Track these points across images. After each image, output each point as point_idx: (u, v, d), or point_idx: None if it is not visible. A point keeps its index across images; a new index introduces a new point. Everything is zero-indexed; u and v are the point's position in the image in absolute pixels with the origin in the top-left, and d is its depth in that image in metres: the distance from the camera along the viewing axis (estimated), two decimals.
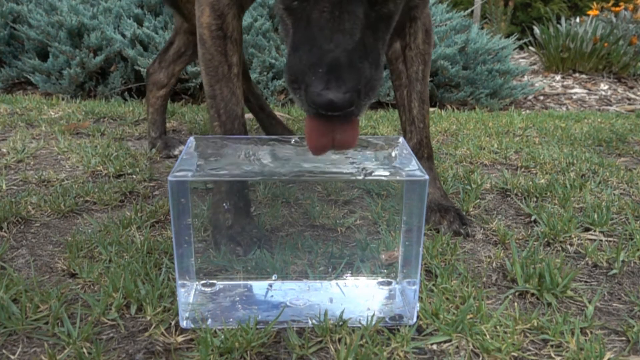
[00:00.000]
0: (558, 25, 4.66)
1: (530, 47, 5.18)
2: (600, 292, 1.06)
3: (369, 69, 0.87)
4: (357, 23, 0.86)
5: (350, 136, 0.89)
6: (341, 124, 0.87)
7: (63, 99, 2.95)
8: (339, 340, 0.89)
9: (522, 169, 1.85)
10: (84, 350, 0.85)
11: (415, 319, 0.93)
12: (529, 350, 0.89)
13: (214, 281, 1.02)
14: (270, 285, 1.02)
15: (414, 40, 1.32)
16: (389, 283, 1.03)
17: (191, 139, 1.04)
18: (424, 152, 1.40)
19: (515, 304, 1.01)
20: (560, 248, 1.25)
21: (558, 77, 4.43)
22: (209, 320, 0.92)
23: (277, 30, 3.20)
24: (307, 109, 0.86)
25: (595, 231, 1.33)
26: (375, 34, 0.90)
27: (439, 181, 1.43)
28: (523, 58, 5.31)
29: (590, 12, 4.99)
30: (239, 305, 0.97)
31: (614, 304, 1.04)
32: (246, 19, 3.10)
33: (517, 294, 1.06)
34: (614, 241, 1.29)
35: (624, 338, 0.93)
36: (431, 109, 3.12)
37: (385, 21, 0.93)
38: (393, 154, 1.01)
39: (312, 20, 0.86)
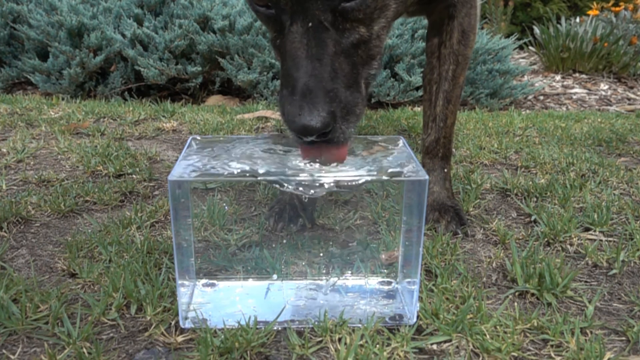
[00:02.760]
0: (558, 25, 4.66)
1: (530, 47, 5.18)
2: (600, 292, 1.06)
3: (344, 93, 0.89)
4: (325, 49, 0.88)
5: (336, 155, 0.92)
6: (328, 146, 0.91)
7: (63, 99, 2.95)
8: (339, 340, 0.89)
9: (522, 169, 1.85)
10: (84, 350, 0.85)
11: (415, 319, 0.93)
12: (529, 350, 0.89)
13: (214, 281, 1.02)
14: (270, 286, 1.02)
15: (449, 39, 1.34)
16: (389, 283, 1.03)
17: (191, 138, 1.04)
18: (439, 150, 1.40)
19: (515, 304, 1.01)
20: (560, 248, 1.25)
21: (558, 77, 4.43)
22: (209, 320, 0.92)
23: None
24: (292, 139, 0.91)
25: (595, 231, 1.33)
26: (351, 59, 0.91)
27: (449, 182, 1.42)
28: (523, 58, 5.31)
29: (590, 12, 4.99)
30: (239, 305, 0.97)
31: (614, 304, 1.04)
32: (246, 19, 3.10)
33: (517, 294, 1.06)
34: (614, 241, 1.29)
35: (624, 338, 0.93)
36: None
37: (363, 45, 0.94)
38: (393, 154, 1.01)
39: (287, 52, 0.89)
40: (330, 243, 1.09)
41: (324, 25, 0.88)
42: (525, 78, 4.27)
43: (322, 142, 0.88)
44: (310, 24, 0.87)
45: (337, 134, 0.88)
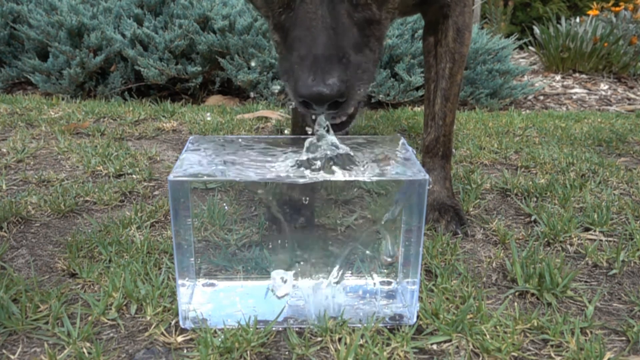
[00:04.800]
0: (558, 25, 4.66)
1: (530, 47, 5.18)
2: (600, 292, 1.06)
3: (358, 60, 0.89)
4: (340, 20, 0.89)
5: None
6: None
7: (63, 99, 2.95)
8: (339, 340, 0.89)
9: (522, 169, 1.85)
10: (84, 350, 0.85)
11: (415, 319, 0.93)
12: (529, 350, 0.89)
13: (214, 281, 1.02)
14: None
15: (445, 38, 1.36)
16: (389, 283, 1.02)
17: (191, 139, 1.04)
18: (439, 149, 1.40)
19: (515, 304, 1.01)
20: (560, 248, 1.25)
21: (558, 77, 4.43)
22: (209, 320, 0.92)
23: None
24: (297, 104, 0.88)
25: (595, 231, 1.33)
26: (363, 32, 0.93)
27: (449, 181, 1.43)
28: (523, 58, 5.31)
29: (590, 12, 4.99)
30: (239, 305, 0.97)
31: (614, 304, 1.04)
32: (246, 19, 3.10)
33: (517, 294, 1.06)
34: (614, 241, 1.29)
35: (624, 338, 0.93)
36: None
37: (373, 25, 0.95)
38: (393, 154, 1.01)
39: (298, 22, 0.89)
40: (330, 243, 1.09)
41: None
42: (525, 78, 4.27)
43: (330, 114, 0.87)
44: None
45: (347, 108, 0.88)
